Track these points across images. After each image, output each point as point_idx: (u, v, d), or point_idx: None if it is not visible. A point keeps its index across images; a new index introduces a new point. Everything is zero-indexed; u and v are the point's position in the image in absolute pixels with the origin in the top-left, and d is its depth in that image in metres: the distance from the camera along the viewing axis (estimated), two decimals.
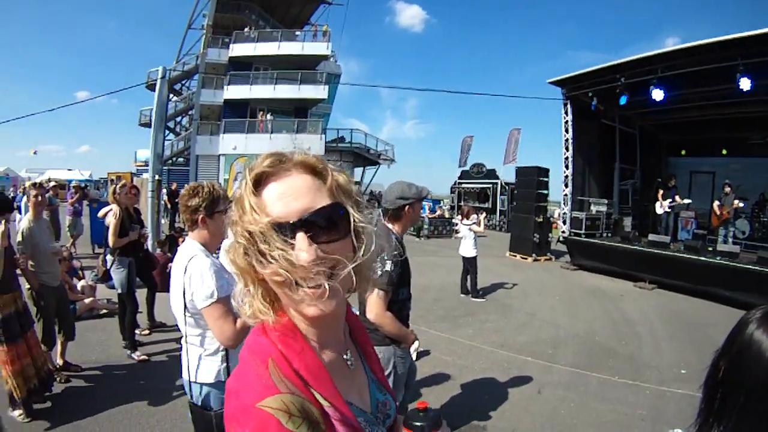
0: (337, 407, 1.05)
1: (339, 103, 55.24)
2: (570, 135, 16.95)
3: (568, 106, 16.95)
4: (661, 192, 16.49)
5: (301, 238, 0.98)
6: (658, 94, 14.23)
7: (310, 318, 1.04)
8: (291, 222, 0.99)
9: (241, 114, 32.98)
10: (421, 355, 6.86)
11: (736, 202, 14.64)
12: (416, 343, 3.78)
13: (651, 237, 14.84)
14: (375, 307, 3.28)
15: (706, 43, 12.93)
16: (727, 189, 14.85)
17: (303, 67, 33.46)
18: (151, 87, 22.62)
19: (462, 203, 28.93)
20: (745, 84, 12.44)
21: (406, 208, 3.56)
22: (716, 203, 15.11)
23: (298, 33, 34.79)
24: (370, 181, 40.88)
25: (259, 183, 1.04)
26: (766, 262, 11.62)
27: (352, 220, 1.06)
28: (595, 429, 5.36)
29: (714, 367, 1.26)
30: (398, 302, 3.49)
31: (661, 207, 16.34)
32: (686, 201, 16.30)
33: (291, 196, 1.02)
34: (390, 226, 3.57)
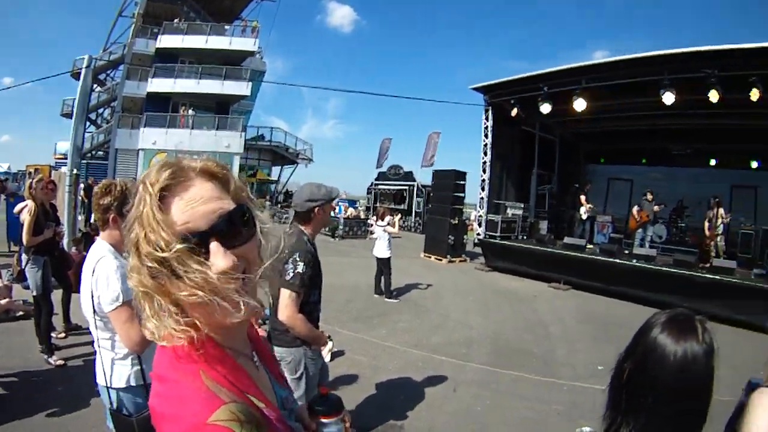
0: (270, 408, 1.06)
1: (261, 100, 54.77)
2: (489, 140, 17.38)
3: (489, 112, 17.41)
4: (583, 197, 17.17)
5: (215, 246, 0.98)
6: (579, 104, 14.81)
7: (229, 327, 1.02)
8: (202, 230, 0.97)
9: (163, 108, 32.28)
10: (335, 355, 6.85)
11: (656, 207, 15.58)
12: (330, 344, 3.67)
13: (567, 240, 15.44)
14: (287, 309, 3.27)
15: (632, 57, 13.73)
16: (650, 196, 15.85)
17: (229, 63, 33.02)
18: (76, 76, 21.62)
19: (378, 204, 28.89)
20: (668, 98, 13.18)
21: (316, 209, 3.52)
22: (636, 208, 16.03)
23: (227, 27, 34.39)
24: (287, 180, 40.82)
25: (162, 198, 0.98)
26: (682, 265, 12.47)
27: (257, 221, 1.09)
28: (511, 425, 5.46)
29: (619, 368, 1.32)
30: (310, 304, 3.49)
31: (586, 212, 17.03)
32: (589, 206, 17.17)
33: (199, 203, 0.99)
34: (302, 227, 3.53)
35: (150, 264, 0.95)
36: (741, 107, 14.13)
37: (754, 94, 11.92)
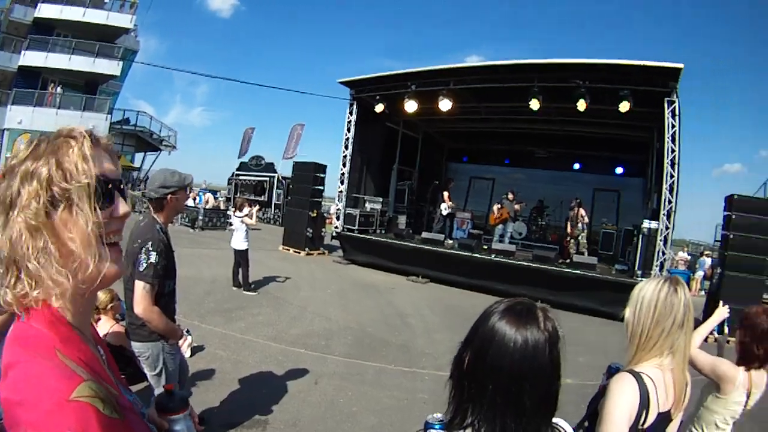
0: (122, 398, 1.03)
1: (130, 82, 52.02)
2: (351, 134, 17.52)
3: (354, 106, 17.50)
4: (446, 194, 17.77)
5: (118, 195, 1.07)
6: (444, 105, 15.26)
7: (84, 299, 1.05)
8: (113, 179, 1.06)
9: (32, 84, 30.05)
10: (195, 350, 6.63)
11: (516, 206, 16.48)
12: (189, 338, 3.55)
13: (424, 234, 15.92)
14: (142, 301, 3.17)
15: (502, 64, 14.42)
16: (510, 195, 16.66)
17: (103, 39, 30.86)
18: None
19: (237, 195, 28.36)
20: (535, 104, 13.90)
21: (169, 196, 3.44)
22: (496, 205, 16.82)
23: (106, 0, 31.68)
24: (150, 168, 38.51)
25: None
26: (542, 260, 13.40)
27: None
28: (375, 415, 5.60)
29: (459, 356, 1.33)
30: (165, 296, 3.42)
31: (447, 208, 17.60)
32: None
33: (110, 162, 1.09)
34: (154, 216, 3.44)
35: (52, 193, 0.97)
36: (607, 117, 15.42)
37: (624, 107, 12.87)
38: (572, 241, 15.10)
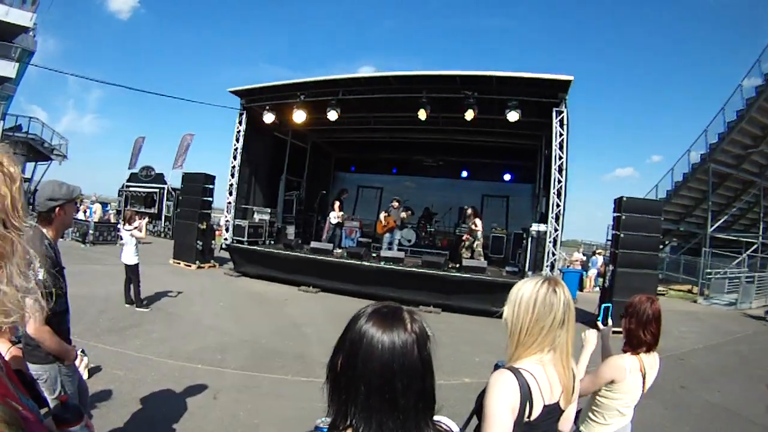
0: (25, 410, 1.06)
1: (24, 85, 48.23)
2: (240, 144, 17.45)
3: (244, 116, 17.43)
4: (338, 204, 18.11)
5: None
6: (333, 115, 15.62)
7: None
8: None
9: None
10: (92, 371, 6.51)
11: (403, 214, 16.92)
12: (85, 360, 3.53)
13: (313, 244, 16.08)
14: (33, 321, 3.00)
15: (391, 75, 14.76)
16: (395, 203, 17.21)
17: (1, 38, 28.43)
18: None
19: (126, 207, 27.49)
20: (423, 114, 14.47)
21: (57, 210, 3.32)
22: (383, 214, 17.26)
23: None
24: (41, 178, 35.81)
25: None
26: (431, 265, 13.92)
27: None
28: (277, 426, 5.77)
29: (332, 361, 1.38)
30: (57, 315, 3.24)
31: (336, 217, 17.87)
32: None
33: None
34: (43, 230, 3.29)
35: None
36: (496, 126, 16.18)
37: (512, 117, 13.66)
38: (465, 249, 15.46)
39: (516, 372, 2.06)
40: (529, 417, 2.01)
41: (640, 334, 3.18)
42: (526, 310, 2.15)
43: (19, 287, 1.06)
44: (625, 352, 3.28)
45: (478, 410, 2.10)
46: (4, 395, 1.01)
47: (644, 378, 3.21)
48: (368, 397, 1.27)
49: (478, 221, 15.36)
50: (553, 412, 2.12)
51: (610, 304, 3.77)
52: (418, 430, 1.31)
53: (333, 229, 18.05)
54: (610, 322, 3.67)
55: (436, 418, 1.42)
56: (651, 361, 3.26)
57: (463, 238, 15.86)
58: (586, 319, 11.46)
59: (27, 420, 1.03)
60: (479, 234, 15.39)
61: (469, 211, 15.90)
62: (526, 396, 2.00)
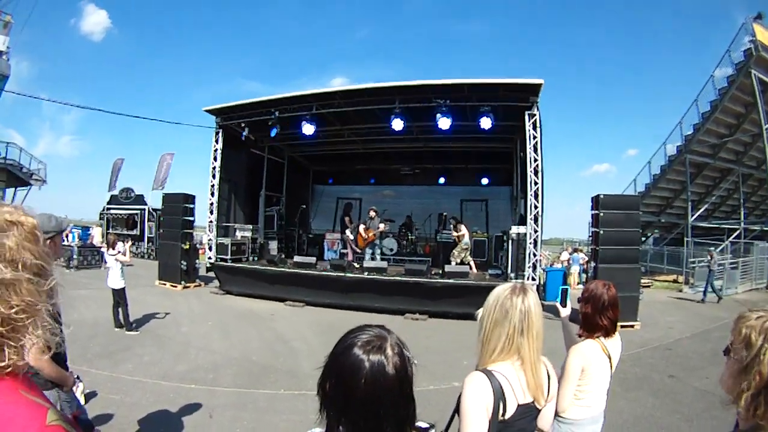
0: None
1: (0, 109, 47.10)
2: (218, 163, 17.57)
3: (220, 134, 17.55)
4: (347, 219, 18.88)
5: None
6: (308, 129, 15.81)
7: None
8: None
9: None
10: (89, 396, 6.49)
11: (381, 226, 16.73)
12: (81, 386, 3.61)
13: (296, 258, 16.36)
14: (33, 351, 3.08)
15: (364, 87, 14.95)
16: (372, 213, 17.02)
17: None
18: None
19: (109, 231, 27.32)
20: (397, 124, 14.72)
21: (47, 242, 3.38)
22: (362, 226, 17.09)
23: None
24: (21, 204, 35.21)
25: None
26: (414, 273, 13.95)
27: None
28: None
29: (321, 383, 1.44)
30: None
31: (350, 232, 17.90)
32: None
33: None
34: None
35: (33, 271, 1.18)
36: (471, 132, 16.44)
37: (485, 123, 13.86)
38: (457, 253, 15.48)
39: (488, 373, 2.15)
40: (503, 416, 2.11)
41: (597, 320, 3.24)
42: (488, 314, 2.25)
43: (48, 332, 1.22)
44: (580, 336, 3.36)
45: (458, 410, 2.19)
46: (50, 403, 1.15)
47: (610, 359, 3.26)
48: (354, 421, 1.37)
49: (463, 230, 15.53)
50: (528, 411, 2.21)
51: (567, 287, 3.87)
52: None
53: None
54: (569, 303, 3.77)
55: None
56: (612, 344, 3.32)
57: (455, 252, 15.69)
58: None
59: (70, 421, 1.17)
60: (465, 241, 15.48)
61: (455, 220, 16.16)
62: (500, 396, 2.10)
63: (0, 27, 28.24)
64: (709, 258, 18.73)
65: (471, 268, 14.90)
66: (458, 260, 15.31)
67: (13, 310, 1.10)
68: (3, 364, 1.09)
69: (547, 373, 2.34)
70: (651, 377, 8.49)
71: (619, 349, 3.40)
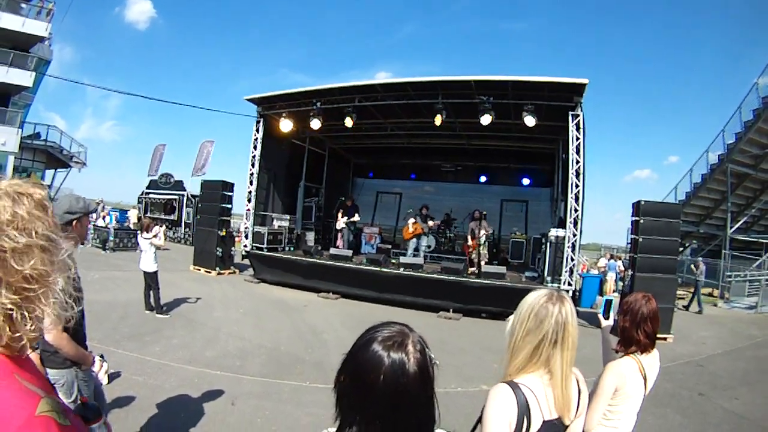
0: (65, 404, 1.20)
1: (42, 93, 48.60)
2: (258, 152, 17.54)
3: (261, 124, 17.52)
4: (339, 210, 18.21)
5: None
6: (350, 121, 15.71)
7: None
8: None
9: None
10: (112, 377, 6.45)
11: (430, 222, 16.96)
12: (105, 365, 3.55)
13: (333, 251, 16.20)
14: (52, 327, 3.02)
15: (407, 81, 14.75)
16: (425, 210, 17.28)
17: (16, 47, 28.37)
18: None
19: (145, 215, 27.64)
20: (437, 120, 14.46)
21: (74, 223, 3.42)
22: (411, 220, 17.18)
23: (23, 5, 28.56)
24: (60, 185, 36.49)
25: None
26: (450, 272, 13.76)
27: None
28: None
29: (338, 377, 1.40)
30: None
31: (339, 223, 18.02)
32: (355, 218, 18.29)
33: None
34: None
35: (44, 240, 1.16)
36: (513, 131, 16.30)
37: (529, 121, 13.63)
38: (473, 251, 15.43)
39: (514, 386, 2.03)
40: (527, 431, 1.98)
41: (634, 333, 3.09)
42: (521, 322, 2.11)
43: (60, 304, 1.21)
44: (617, 351, 3.21)
45: (481, 421, 2.08)
46: (50, 392, 1.15)
47: (645, 380, 3.09)
48: (369, 421, 1.29)
49: (485, 224, 15.42)
50: (554, 428, 2.07)
51: (612, 298, 3.67)
52: None
53: (347, 234, 18.16)
54: (612, 315, 3.57)
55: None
56: (650, 361, 3.15)
57: (469, 242, 15.76)
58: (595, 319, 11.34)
59: (68, 411, 1.19)
60: (484, 239, 15.39)
61: (477, 214, 15.75)
62: (524, 411, 1.98)
63: (43, 14, 29.04)
64: (694, 268, 18.36)
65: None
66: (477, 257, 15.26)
67: (26, 279, 1.10)
68: (18, 334, 1.10)
69: (578, 386, 2.19)
70: (680, 394, 8.16)
71: (657, 370, 3.22)
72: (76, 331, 3.37)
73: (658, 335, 3.25)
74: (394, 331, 1.39)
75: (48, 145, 34.06)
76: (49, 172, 36.57)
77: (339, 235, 18.46)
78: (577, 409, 2.15)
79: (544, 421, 2.01)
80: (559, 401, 2.05)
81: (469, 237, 15.82)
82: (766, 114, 21.46)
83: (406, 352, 1.32)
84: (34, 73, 29.27)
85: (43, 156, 34.02)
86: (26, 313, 1.11)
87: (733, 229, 25.26)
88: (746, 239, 26.21)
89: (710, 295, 23.29)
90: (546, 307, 2.06)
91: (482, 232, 15.19)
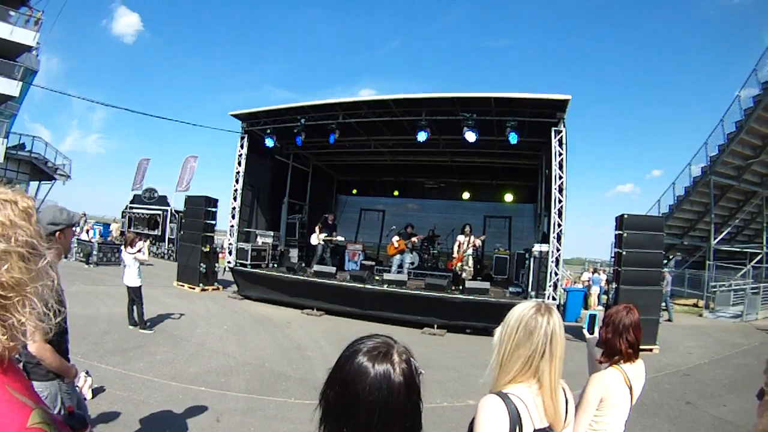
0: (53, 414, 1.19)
1: (28, 103, 48.03)
2: (242, 168, 17.56)
3: (245, 140, 17.57)
4: (318, 226, 18.22)
5: None
6: (335, 138, 15.83)
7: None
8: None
9: None
10: (96, 392, 6.48)
11: (414, 239, 17.09)
12: (89, 380, 3.52)
13: (316, 267, 16.08)
14: (37, 338, 3.02)
15: (391, 98, 14.75)
16: (410, 229, 17.48)
17: (3, 56, 28.07)
18: None
19: (129, 229, 27.45)
20: (421, 137, 14.59)
21: (57, 234, 3.43)
22: (396, 237, 17.39)
23: (12, 13, 28.28)
24: (44, 198, 35.57)
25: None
26: (434, 288, 13.88)
27: None
28: None
29: (324, 393, 1.40)
30: (57, 335, 3.18)
31: (317, 239, 17.96)
32: (339, 238, 18.38)
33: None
34: None
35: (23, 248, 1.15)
36: (496, 147, 16.43)
37: (512, 138, 13.78)
38: (457, 266, 15.26)
39: (504, 396, 2.04)
40: None
41: (617, 343, 3.13)
42: (509, 334, 2.12)
43: (37, 314, 1.18)
44: (601, 363, 3.23)
45: None
46: (39, 402, 1.13)
47: (631, 390, 3.11)
48: (357, 420, 1.29)
49: (473, 239, 15.26)
50: None
51: (596, 313, 3.72)
52: None
53: (321, 251, 18.02)
54: (597, 330, 3.61)
55: None
56: (635, 372, 3.18)
57: (455, 256, 15.51)
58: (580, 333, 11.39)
59: (58, 422, 1.16)
60: (471, 252, 15.39)
61: (467, 229, 15.54)
62: (516, 420, 1.99)
63: (30, 23, 28.87)
64: (661, 279, 18.74)
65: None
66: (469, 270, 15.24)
67: (2, 286, 1.08)
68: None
69: (566, 397, 2.22)
70: (668, 403, 8.24)
71: (642, 380, 3.25)
72: (59, 344, 3.36)
73: (644, 346, 3.30)
74: (379, 342, 1.40)
75: (33, 156, 33.72)
76: (33, 184, 36.10)
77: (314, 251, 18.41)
78: (566, 418, 2.17)
79: (535, 430, 2.02)
80: (549, 410, 2.07)
81: (455, 249, 15.62)
82: (749, 125, 21.77)
83: (392, 363, 1.33)
84: (21, 83, 28.93)
85: (28, 167, 33.63)
86: (0, 322, 1.10)
87: (717, 240, 25.57)
88: (730, 249, 26.61)
89: (695, 305, 23.63)
90: (535, 319, 2.08)
91: (470, 244, 15.12)
